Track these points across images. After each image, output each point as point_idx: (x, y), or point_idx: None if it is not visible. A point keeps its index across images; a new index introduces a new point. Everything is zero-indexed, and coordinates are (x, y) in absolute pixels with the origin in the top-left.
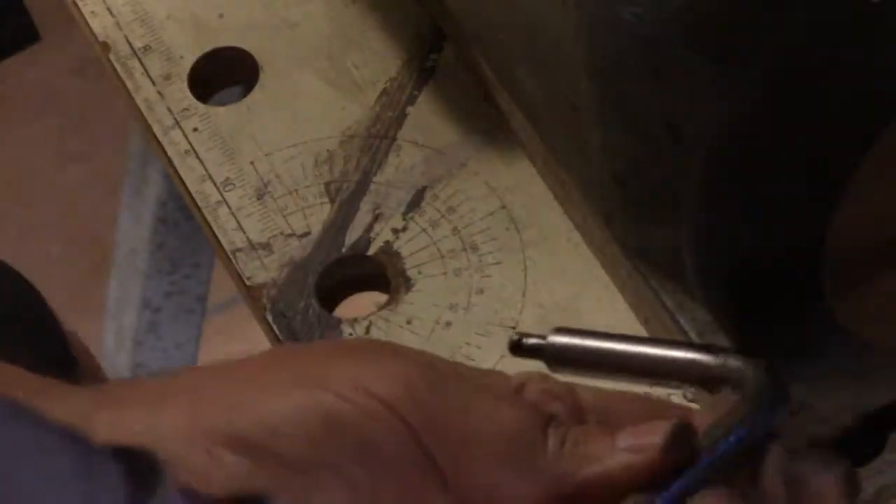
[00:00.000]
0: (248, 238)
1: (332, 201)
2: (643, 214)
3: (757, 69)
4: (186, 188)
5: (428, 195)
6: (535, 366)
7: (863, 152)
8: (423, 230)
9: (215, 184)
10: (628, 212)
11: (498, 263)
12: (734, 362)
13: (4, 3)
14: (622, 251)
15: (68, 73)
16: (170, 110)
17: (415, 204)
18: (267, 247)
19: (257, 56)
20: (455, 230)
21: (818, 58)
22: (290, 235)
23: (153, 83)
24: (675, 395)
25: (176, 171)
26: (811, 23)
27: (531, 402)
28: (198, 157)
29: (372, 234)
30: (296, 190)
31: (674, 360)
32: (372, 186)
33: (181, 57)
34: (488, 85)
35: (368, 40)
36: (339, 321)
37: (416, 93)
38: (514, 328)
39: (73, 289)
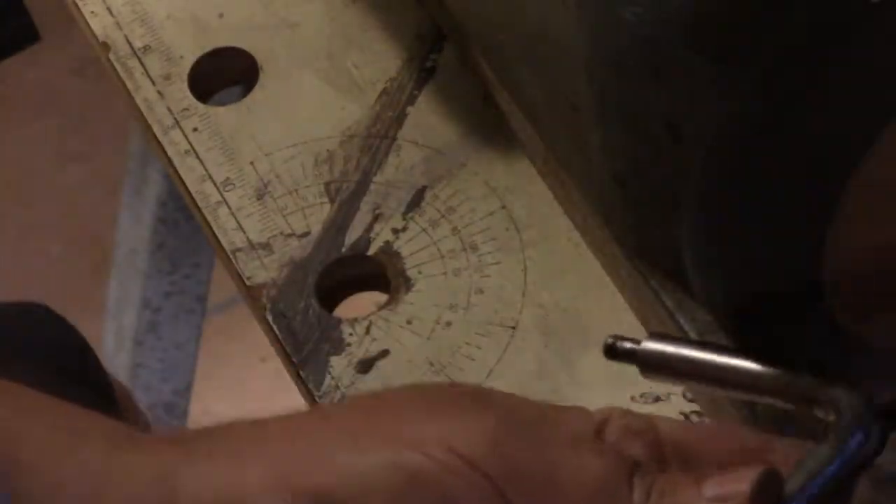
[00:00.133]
0: (248, 238)
1: (332, 201)
2: (643, 214)
3: (757, 69)
4: (186, 188)
5: (428, 195)
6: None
7: (863, 152)
8: (423, 230)
9: (215, 184)
10: (628, 212)
11: (498, 263)
12: (834, 391)
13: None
14: (622, 251)
15: (68, 73)
16: (170, 110)
17: (415, 204)
18: (267, 247)
19: (257, 56)
20: (455, 230)
21: (818, 58)
22: (290, 235)
23: (153, 83)
24: (675, 395)
25: (176, 171)
26: (811, 23)
27: (613, 442)
28: (198, 157)
29: (372, 234)
30: (296, 190)
31: (769, 378)
32: (372, 186)
33: (181, 57)
34: (488, 85)
35: (368, 40)
36: (339, 321)
37: (416, 93)
38: (513, 328)
39: (73, 289)
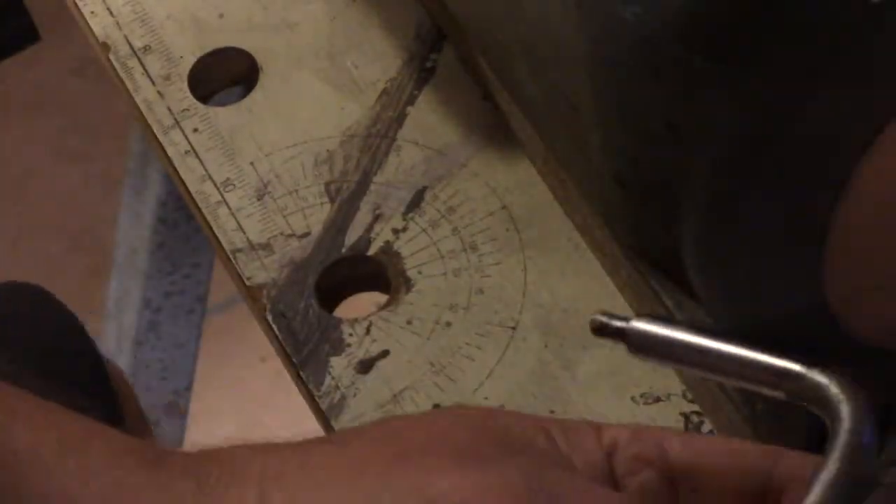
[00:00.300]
0: (248, 238)
1: (332, 201)
2: (643, 214)
3: (757, 69)
4: (186, 188)
5: (428, 195)
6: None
7: (863, 151)
8: (423, 230)
9: (215, 184)
10: (628, 212)
11: (498, 263)
12: (829, 389)
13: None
14: (622, 251)
15: (68, 73)
16: (170, 110)
17: (415, 204)
18: (267, 247)
19: (257, 56)
20: (455, 230)
21: (818, 58)
22: (290, 236)
23: (153, 83)
24: (675, 395)
25: (176, 171)
26: (811, 23)
27: (623, 471)
28: (198, 157)
29: (372, 235)
30: (296, 190)
31: (761, 366)
32: (372, 186)
33: (181, 57)
34: (488, 85)
35: (368, 40)
36: (339, 321)
37: (416, 93)
38: (513, 328)
39: (73, 289)
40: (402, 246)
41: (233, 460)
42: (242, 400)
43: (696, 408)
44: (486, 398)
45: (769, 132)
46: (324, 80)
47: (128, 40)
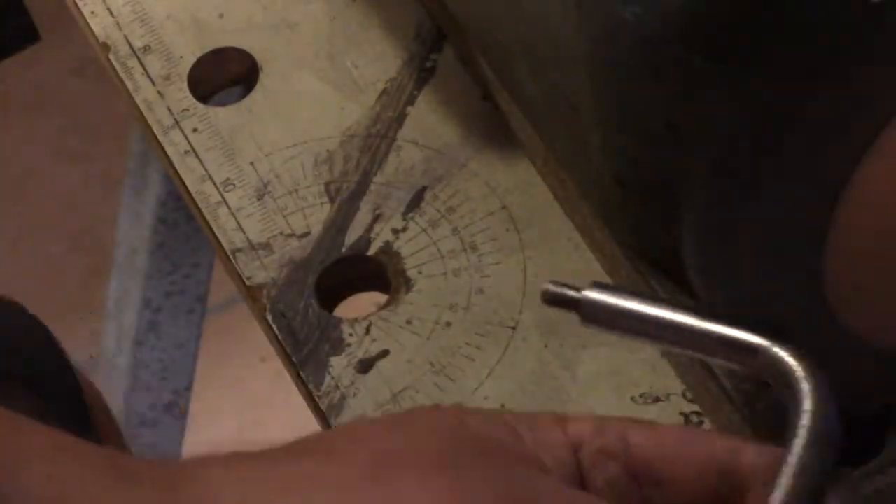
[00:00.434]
0: (247, 238)
1: (332, 201)
2: (643, 214)
3: (757, 69)
4: (186, 188)
5: (428, 195)
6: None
7: (863, 151)
8: (423, 230)
9: (215, 184)
10: (628, 212)
11: (498, 263)
12: (784, 364)
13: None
14: (622, 251)
15: (68, 73)
16: (170, 110)
17: (415, 204)
18: (267, 247)
19: (257, 56)
20: (455, 230)
21: (818, 58)
22: (290, 235)
23: (153, 83)
24: (675, 395)
25: (176, 171)
26: (811, 23)
27: (589, 466)
28: (198, 157)
29: (372, 234)
30: (296, 190)
31: (714, 337)
32: (372, 186)
33: (181, 57)
34: (488, 85)
35: (368, 40)
36: (339, 321)
37: (416, 93)
38: (513, 328)
39: (73, 289)
40: (402, 246)
41: (208, 485)
42: (242, 400)
43: (696, 408)
44: (486, 398)
45: (769, 132)
46: (324, 80)
47: (128, 40)
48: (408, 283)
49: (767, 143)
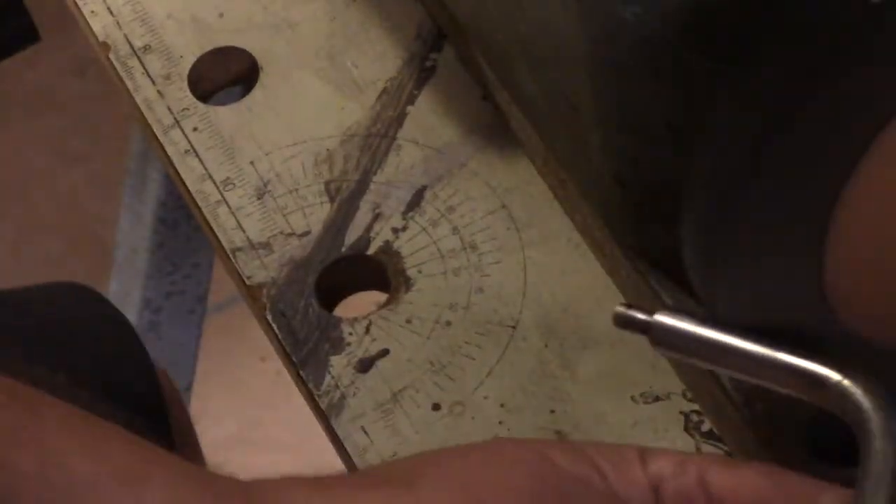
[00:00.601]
0: (247, 237)
1: (332, 201)
2: (643, 214)
3: (757, 69)
4: (186, 188)
5: (428, 195)
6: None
7: (863, 151)
8: (423, 230)
9: (215, 183)
10: (628, 212)
11: (498, 263)
12: (854, 397)
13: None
14: (622, 251)
15: (68, 73)
16: (170, 110)
17: (415, 203)
18: (267, 246)
19: (257, 56)
20: (455, 230)
21: (818, 58)
22: (290, 235)
23: (153, 83)
24: (675, 394)
25: (176, 171)
26: (811, 23)
27: None
28: (198, 156)
29: (372, 234)
30: (296, 189)
31: (782, 367)
32: (372, 186)
33: (181, 57)
34: (488, 85)
35: (368, 40)
36: (339, 321)
37: (416, 92)
38: (513, 328)
39: None
40: (402, 245)
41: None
42: (242, 400)
43: (695, 407)
44: (485, 397)
45: (769, 132)
46: (324, 80)
47: (128, 40)
48: (408, 283)
49: (767, 144)
